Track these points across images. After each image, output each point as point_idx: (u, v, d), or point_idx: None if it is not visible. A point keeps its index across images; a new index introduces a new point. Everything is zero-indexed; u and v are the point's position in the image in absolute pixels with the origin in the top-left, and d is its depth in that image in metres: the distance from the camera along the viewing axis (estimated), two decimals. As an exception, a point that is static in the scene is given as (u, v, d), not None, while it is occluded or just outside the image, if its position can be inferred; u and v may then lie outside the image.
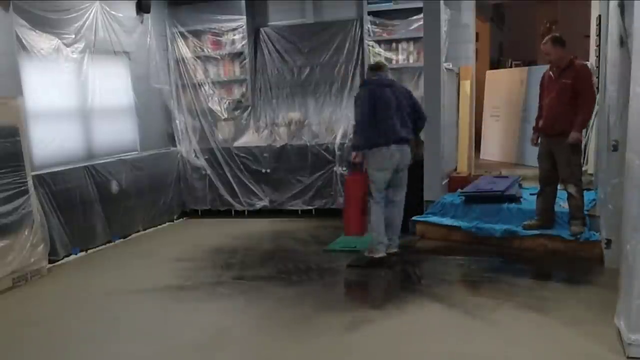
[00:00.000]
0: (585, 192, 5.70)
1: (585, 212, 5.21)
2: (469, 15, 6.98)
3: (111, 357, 3.65)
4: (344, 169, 6.71)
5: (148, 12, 7.02)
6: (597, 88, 5.85)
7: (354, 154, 5.04)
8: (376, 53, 6.95)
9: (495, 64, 10.78)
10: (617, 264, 3.81)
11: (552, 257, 5.06)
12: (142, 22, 7.01)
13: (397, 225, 5.19)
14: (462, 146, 6.99)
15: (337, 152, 6.93)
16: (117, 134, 6.73)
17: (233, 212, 7.44)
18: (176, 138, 7.53)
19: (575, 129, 4.88)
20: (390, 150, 4.93)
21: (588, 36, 6.77)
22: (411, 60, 6.94)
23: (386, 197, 5.09)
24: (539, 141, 5.28)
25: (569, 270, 4.82)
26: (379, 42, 6.97)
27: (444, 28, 6.21)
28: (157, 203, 7.10)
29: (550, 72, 5.13)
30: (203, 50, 7.47)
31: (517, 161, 7.72)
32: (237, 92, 7.52)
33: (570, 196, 5.06)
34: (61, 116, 5.97)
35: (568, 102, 4.94)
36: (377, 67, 5.21)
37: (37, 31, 5.54)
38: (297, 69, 7.29)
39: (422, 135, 6.29)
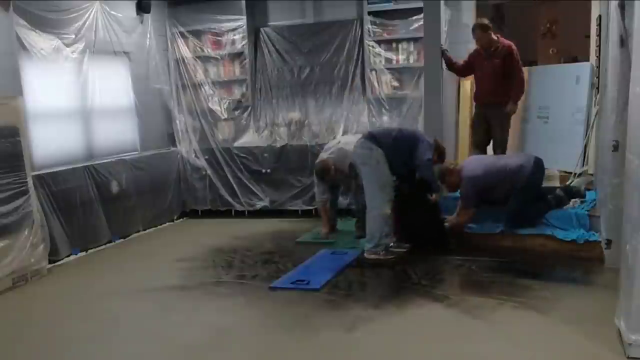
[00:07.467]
0: (585, 192, 5.74)
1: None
2: (469, 15, 6.96)
3: (111, 357, 3.65)
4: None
5: (148, 12, 7.02)
6: (597, 88, 5.86)
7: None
8: (376, 53, 6.94)
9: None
10: (617, 264, 3.80)
11: (552, 257, 5.06)
12: (142, 22, 7.01)
13: None
14: (462, 146, 6.98)
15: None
16: (117, 134, 6.72)
17: (233, 212, 7.43)
18: (176, 138, 7.53)
19: (512, 101, 5.97)
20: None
21: (588, 36, 6.75)
22: (411, 60, 6.92)
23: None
24: (474, 110, 6.39)
25: (569, 270, 4.82)
26: (379, 42, 6.95)
27: (444, 28, 6.21)
28: (157, 203, 7.09)
29: (482, 51, 6.02)
30: (203, 51, 7.46)
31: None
32: (237, 92, 7.51)
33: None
34: (61, 116, 5.97)
35: (501, 77, 5.92)
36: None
37: (37, 31, 5.53)
38: (297, 69, 7.27)
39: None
